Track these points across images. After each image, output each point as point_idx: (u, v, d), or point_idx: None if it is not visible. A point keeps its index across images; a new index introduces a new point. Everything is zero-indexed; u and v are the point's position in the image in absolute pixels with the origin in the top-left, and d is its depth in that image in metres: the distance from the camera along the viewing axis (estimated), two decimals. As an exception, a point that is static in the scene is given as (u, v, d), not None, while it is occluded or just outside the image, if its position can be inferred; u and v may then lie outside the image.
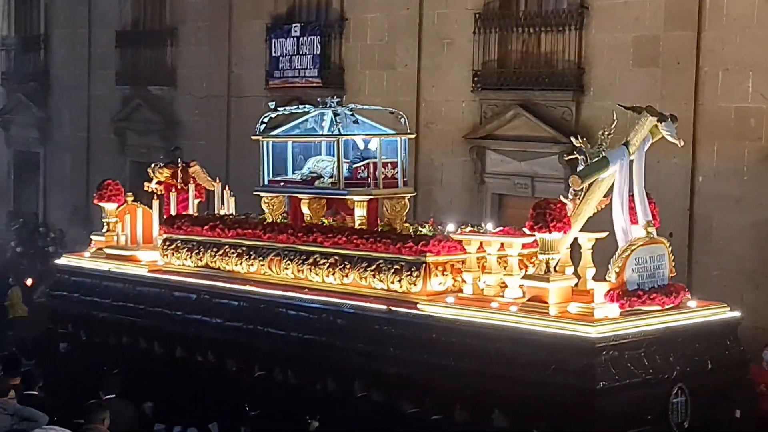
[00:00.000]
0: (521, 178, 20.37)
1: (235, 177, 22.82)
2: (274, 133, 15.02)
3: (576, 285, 12.17)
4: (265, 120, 14.98)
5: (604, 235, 12.59)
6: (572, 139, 12.57)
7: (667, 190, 17.67)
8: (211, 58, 26.41)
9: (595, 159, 12.10)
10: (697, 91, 17.98)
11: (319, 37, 23.48)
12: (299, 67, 23.82)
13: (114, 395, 12.58)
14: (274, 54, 24.32)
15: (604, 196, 12.35)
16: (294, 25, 24.05)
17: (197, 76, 26.84)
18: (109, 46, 28.95)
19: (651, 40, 18.58)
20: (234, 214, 16.00)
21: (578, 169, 12.23)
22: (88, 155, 29.86)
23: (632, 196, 12.28)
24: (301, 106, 15.32)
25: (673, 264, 12.49)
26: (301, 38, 23.77)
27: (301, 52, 23.78)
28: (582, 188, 12.15)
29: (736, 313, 12.83)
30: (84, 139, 30.21)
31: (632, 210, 12.29)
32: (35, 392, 12.62)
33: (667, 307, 12.07)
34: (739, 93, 17.56)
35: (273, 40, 24.36)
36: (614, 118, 12.54)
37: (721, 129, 17.72)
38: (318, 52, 23.47)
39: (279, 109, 15.23)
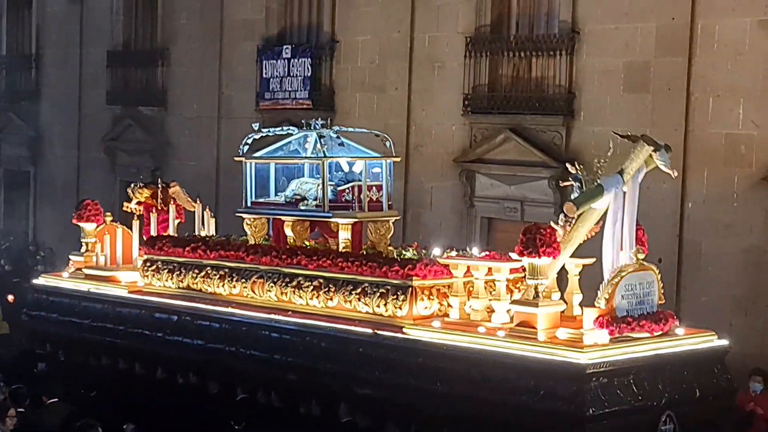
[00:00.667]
0: (511, 202, 20.15)
1: (225, 198, 22.65)
2: (257, 154, 14.71)
3: (563, 311, 11.96)
4: (249, 141, 14.71)
5: (591, 261, 12.43)
6: (567, 165, 12.31)
7: (657, 215, 17.51)
8: (201, 79, 26.22)
9: (591, 186, 11.88)
10: (687, 117, 17.81)
11: (309, 59, 23.26)
12: (290, 89, 23.58)
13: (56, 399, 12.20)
14: (264, 75, 24.11)
15: (595, 224, 12.11)
16: (285, 47, 23.84)
17: (188, 97, 26.66)
18: (100, 65, 28.78)
19: (642, 66, 18.43)
20: (215, 235, 15.72)
21: (573, 196, 12.01)
22: (79, 174, 29.68)
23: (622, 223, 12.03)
24: (285, 128, 15.02)
25: (662, 291, 12.25)
26: (292, 60, 23.55)
27: (291, 74, 23.56)
28: (575, 216, 11.91)
29: (724, 342, 12.59)
30: (74, 159, 30.03)
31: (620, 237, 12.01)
32: (22, 410, 12.36)
33: (656, 334, 11.80)
34: (730, 119, 17.40)
35: (264, 62, 24.14)
36: (610, 146, 12.42)
37: (712, 155, 17.55)
38: (309, 74, 23.24)
39: (263, 130, 14.99)
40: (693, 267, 17.72)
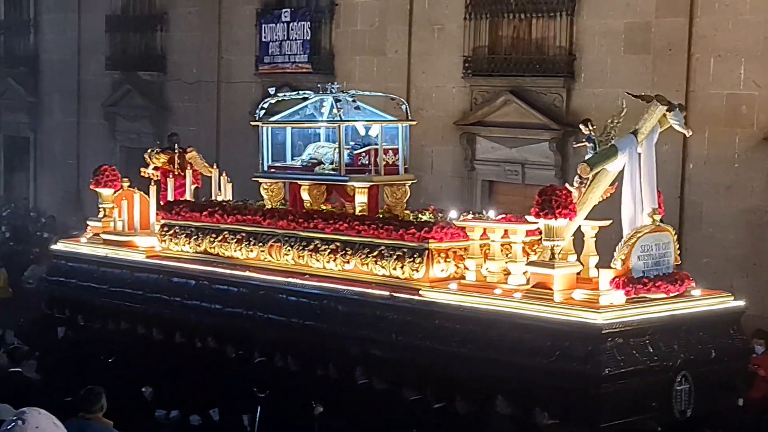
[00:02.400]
0: (511, 164, 20.14)
1: (225, 162, 22.46)
2: (273, 118, 14.65)
3: (579, 273, 11.93)
4: (265, 105, 14.65)
5: (608, 223, 12.41)
6: (581, 126, 12.27)
7: (658, 177, 17.22)
8: (201, 43, 26.10)
9: (604, 147, 11.87)
10: (688, 77, 17.81)
11: (309, 23, 23.20)
12: (289, 53, 23.52)
13: None
14: (264, 39, 24.02)
15: (610, 185, 12.12)
16: (284, 10, 23.77)
17: (187, 62, 26.53)
18: (99, 30, 28.58)
19: (642, 27, 18.39)
20: (231, 200, 15.66)
21: (587, 157, 11.99)
22: (78, 140, 29.53)
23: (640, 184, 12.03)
24: (301, 92, 14.97)
25: (678, 252, 12.22)
26: (292, 24, 23.47)
27: (291, 38, 23.50)
28: (589, 176, 11.90)
29: (740, 303, 12.63)
30: (74, 124, 29.90)
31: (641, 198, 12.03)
32: (19, 369, 12.34)
33: (671, 295, 11.84)
34: (731, 80, 17.40)
35: (263, 26, 24.05)
36: (623, 106, 12.38)
37: (713, 116, 17.57)
38: (308, 38, 23.20)
39: (279, 94, 14.91)
40: (694, 228, 17.77)
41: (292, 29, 23.45)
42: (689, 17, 17.68)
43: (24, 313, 18.28)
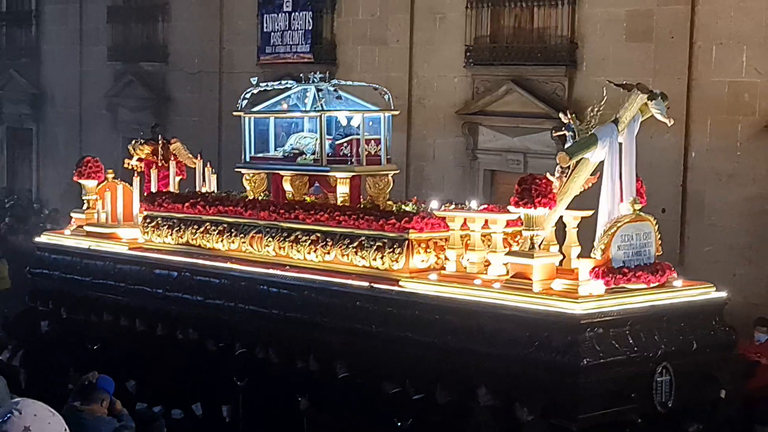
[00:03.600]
0: (513, 154, 20.23)
1: (227, 153, 22.74)
2: (256, 109, 14.77)
3: (561, 263, 11.98)
4: (247, 96, 14.78)
5: (589, 213, 12.41)
6: (561, 115, 12.34)
7: (660, 165, 17.63)
8: (202, 33, 26.28)
9: (584, 136, 11.88)
10: (690, 65, 17.85)
11: (310, 13, 23.30)
12: (291, 43, 23.65)
13: None
14: (265, 29, 24.16)
15: (591, 175, 12.13)
16: (286, 0, 23.82)
17: (189, 52, 26.72)
18: (101, 21, 28.82)
19: (644, 14, 18.45)
20: (215, 191, 15.79)
21: (566, 146, 12.02)
22: (81, 131, 29.77)
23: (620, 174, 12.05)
24: (283, 82, 15.09)
25: (660, 242, 12.23)
26: (293, 14, 23.60)
27: (292, 28, 23.63)
28: (569, 165, 11.94)
29: (722, 294, 12.61)
30: (76, 115, 30.15)
31: (620, 188, 12.05)
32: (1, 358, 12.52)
33: (652, 285, 11.86)
34: (733, 67, 17.43)
35: (264, 16, 24.20)
36: (604, 94, 12.36)
37: (715, 104, 17.62)
38: (310, 28, 23.31)
39: (261, 84, 15.02)
40: (696, 217, 17.83)
41: (293, 19, 23.57)
42: (691, 5, 17.71)
43: (18, 305, 18.44)
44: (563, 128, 12.15)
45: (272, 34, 23.99)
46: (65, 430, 5.12)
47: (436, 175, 21.34)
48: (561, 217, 12.23)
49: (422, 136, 21.78)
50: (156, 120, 25.88)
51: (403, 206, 13.50)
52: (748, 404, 13.21)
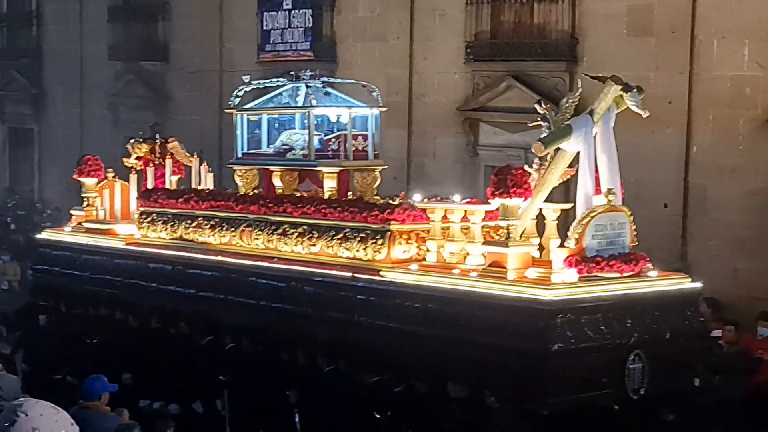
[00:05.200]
0: (514, 149, 20.82)
1: (227, 151, 23.46)
2: (247, 106, 15.88)
3: (540, 255, 12.82)
4: (240, 94, 15.84)
5: (568, 206, 13.16)
6: (536, 105, 13.14)
7: (662, 160, 18.48)
8: (202, 32, 27.24)
9: (559, 126, 12.68)
10: (692, 60, 18.57)
11: (310, 10, 24.24)
12: (291, 41, 24.62)
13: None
14: (265, 27, 25.12)
15: (569, 167, 12.93)
16: (285, -3, 24.72)
17: (189, 51, 27.72)
18: (101, 21, 29.84)
19: (645, 9, 19.17)
20: (212, 188, 16.80)
21: (542, 136, 12.80)
22: (82, 131, 30.78)
23: (596, 165, 12.74)
24: (275, 80, 16.19)
25: (635, 233, 12.95)
26: (293, 11, 24.55)
27: (292, 26, 24.58)
28: (545, 155, 12.71)
29: (697, 284, 13.35)
30: (77, 115, 31.20)
31: (597, 179, 12.74)
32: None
33: (626, 274, 12.60)
34: (735, 61, 18.12)
35: (264, 14, 25.17)
36: (578, 86, 13.23)
37: (716, 98, 18.33)
38: (309, 25, 24.25)
39: (253, 82, 16.13)
40: (699, 211, 18.59)
41: (293, 17, 24.52)
42: (692, -1, 18.31)
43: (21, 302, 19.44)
44: (538, 119, 12.99)
45: (272, 32, 24.96)
46: (72, 424, 5.30)
47: (437, 172, 22.12)
48: (540, 210, 13.05)
49: (423, 132, 22.59)
50: (156, 119, 27.00)
51: (390, 201, 14.39)
52: (751, 400, 13.74)
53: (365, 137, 15.27)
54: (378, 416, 12.36)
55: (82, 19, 31.04)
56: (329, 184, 14.93)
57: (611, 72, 18.75)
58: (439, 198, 14.14)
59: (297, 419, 13.12)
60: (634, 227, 13.03)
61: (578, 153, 12.76)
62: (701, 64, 18.53)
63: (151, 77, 28.95)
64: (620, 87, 12.85)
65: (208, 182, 17.07)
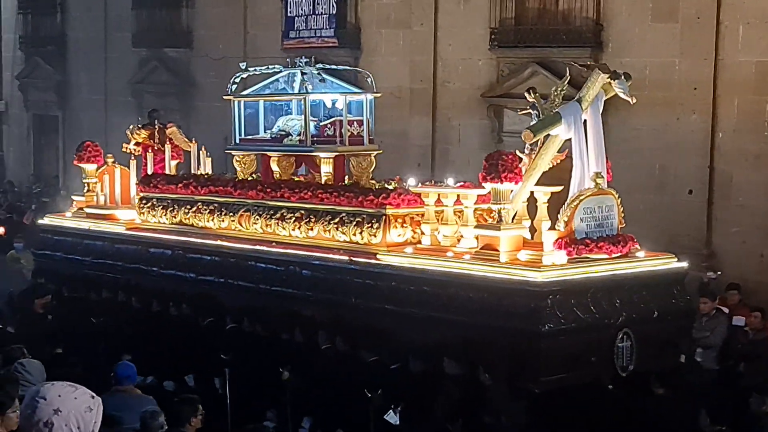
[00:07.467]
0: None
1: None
2: (244, 92, 16.84)
3: (532, 237, 13.74)
4: (237, 80, 16.83)
5: (559, 189, 13.97)
6: (525, 94, 14.06)
7: (687, 146, 19.17)
8: (226, 19, 28.03)
9: (548, 114, 13.62)
10: (717, 45, 19.21)
11: (335, -4, 24.86)
12: (315, 27, 25.38)
13: None
14: (289, 14, 25.91)
15: (559, 152, 13.86)
16: (310, -17, 25.43)
17: (213, 38, 28.52)
18: (125, 8, 30.74)
19: (670, -6, 19.65)
20: (210, 173, 17.74)
21: (531, 124, 13.75)
22: (106, 118, 31.52)
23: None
24: (271, 66, 17.13)
25: (623, 215, 13.86)
26: (317, -2, 25.18)
27: (316, 12, 25.33)
28: (535, 142, 13.67)
29: (684, 264, 14.28)
30: (102, 102, 32.07)
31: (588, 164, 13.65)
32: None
33: (614, 255, 13.57)
34: (760, 47, 18.74)
35: (288, 0, 25.95)
36: (567, 74, 14.13)
37: (742, 84, 18.96)
38: (334, 12, 25.00)
39: (250, 69, 17.10)
40: (724, 198, 19.26)
41: (317, 3, 25.27)
42: (717, -17, 18.87)
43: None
44: (528, 107, 13.90)
45: (296, 18, 25.73)
46: (93, 397, 5.71)
47: (461, 158, 22.76)
48: (532, 193, 13.98)
49: (447, 119, 23.30)
50: (180, 106, 27.97)
51: (386, 185, 15.34)
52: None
53: (360, 123, 16.22)
54: (369, 395, 13.10)
55: (107, 6, 31.88)
56: (326, 169, 15.87)
57: (637, 58, 19.79)
58: (433, 182, 15.02)
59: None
60: (621, 209, 13.93)
61: (569, 139, 13.65)
62: (726, 49, 19.11)
63: (175, 64, 29.75)
64: (607, 75, 13.74)
65: (207, 167, 17.96)
